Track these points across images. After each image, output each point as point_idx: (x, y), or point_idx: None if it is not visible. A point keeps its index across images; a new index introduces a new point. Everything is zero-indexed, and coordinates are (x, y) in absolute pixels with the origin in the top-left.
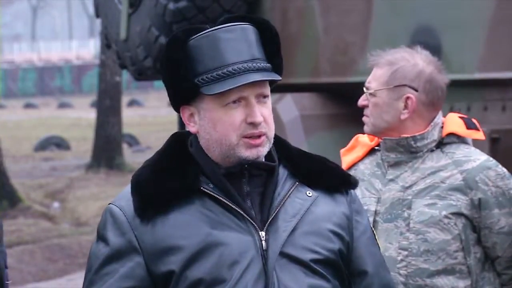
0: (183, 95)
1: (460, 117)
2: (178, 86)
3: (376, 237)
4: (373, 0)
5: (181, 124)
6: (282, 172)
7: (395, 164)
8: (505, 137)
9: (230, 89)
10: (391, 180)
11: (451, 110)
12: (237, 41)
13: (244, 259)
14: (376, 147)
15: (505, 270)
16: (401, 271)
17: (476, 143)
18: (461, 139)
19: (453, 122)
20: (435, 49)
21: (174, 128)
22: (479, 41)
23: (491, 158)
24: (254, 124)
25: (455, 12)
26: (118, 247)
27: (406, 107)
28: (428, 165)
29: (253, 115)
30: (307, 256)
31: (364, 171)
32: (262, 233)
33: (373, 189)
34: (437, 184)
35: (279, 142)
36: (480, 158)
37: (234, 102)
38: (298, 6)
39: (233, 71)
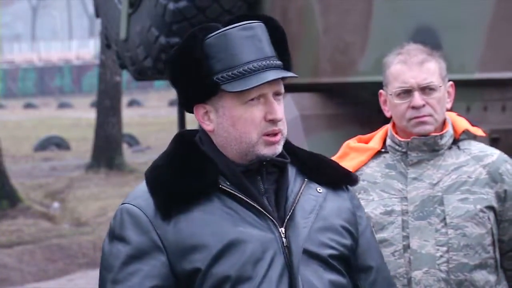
0: (200, 93)
1: (458, 114)
2: (196, 84)
3: (406, 234)
4: (373, 0)
5: (181, 123)
6: (291, 170)
7: (417, 163)
8: (505, 137)
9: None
10: (415, 178)
11: (450, 109)
12: (253, 39)
13: (267, 256)
14: (382, 150)
15: None
16: (442, 267)
17: None
18: (469, 135)
19: (461, 119)
20: (435, 49)
21: (174, 128)
22: (479, 41)
23: (502, 152)
24: (273, 121)
25: (455, 12)
26: (140, 246)
27: (449, 96)
28: (449, 162)
29: (273, 112)
30: (326, 252)
31: (373, 174)
32: (282, 230)
33: (392, 189)
34: (464, 179)
35: (285, 141)
36: (495, 152)
37: (253, 99)
38: (298, 6)
39: (254, 69)
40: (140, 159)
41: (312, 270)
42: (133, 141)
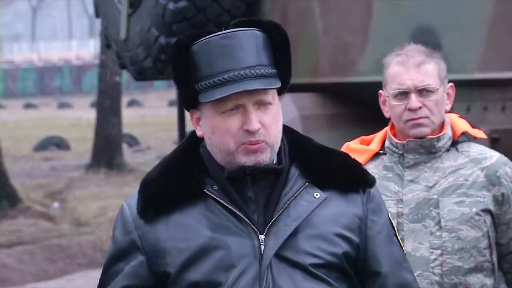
0: (187, 100)
1: (459, 116)
2: (184, 91)
3: (401, 237)
4: (373, 0)
5: (181, 124)
6: (294, 173)
7: (414, 165)
8: (505, 137)
9: (226, 97)
10: (411, 181)
11: (451, 110)
12: (237, 48)
13: (241, 263)
14: (381, 151)
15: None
16: (436, 270)
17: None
18: (468, 137)
19: (461, 121)
20: (435, 50)
21: (174, 128)
22: (479, 41)
23: (502, 155)
24: (250, 132)
25: (455, 12)
26: (122, 246)
27: (448, 97)
28: (447, 164)
29: (249, 122)
30: (307, 260)
31: None
32: (262, 237)
33: (389, 191)
34: (461, 182)
35: (298, 140)
36: (494, 154)
37: (232, 109)
38: (298, 7)
39: (229, 79)
40: (140, 159)
41: (289, 278)
42: (133, 141)
